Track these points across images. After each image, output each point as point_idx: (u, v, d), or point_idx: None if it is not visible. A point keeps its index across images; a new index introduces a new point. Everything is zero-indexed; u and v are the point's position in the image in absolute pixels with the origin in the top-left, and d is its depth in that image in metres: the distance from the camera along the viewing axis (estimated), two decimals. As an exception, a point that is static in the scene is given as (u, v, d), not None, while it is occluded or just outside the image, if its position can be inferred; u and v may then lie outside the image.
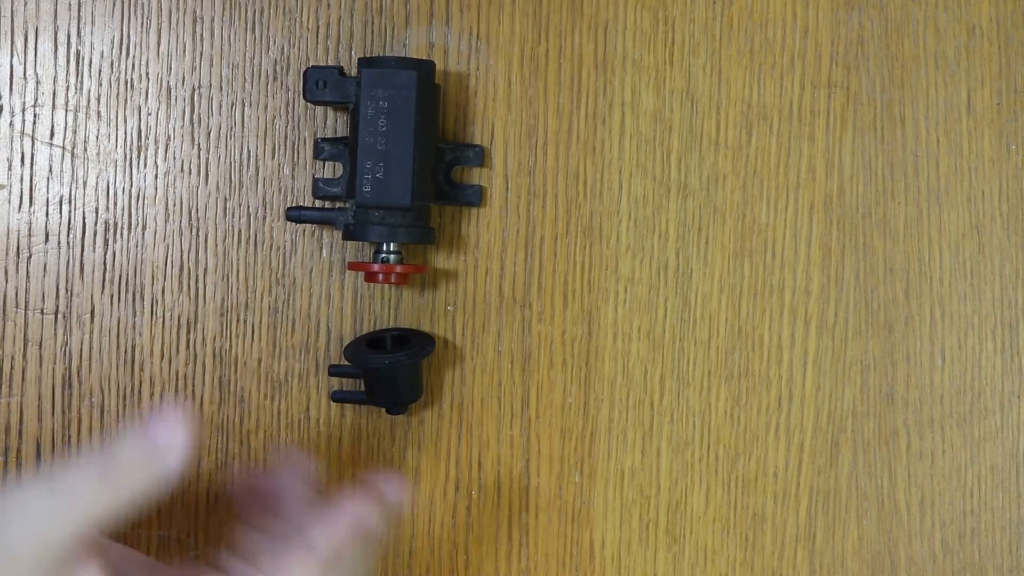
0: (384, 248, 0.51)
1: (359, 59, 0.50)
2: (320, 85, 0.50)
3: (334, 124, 0.54)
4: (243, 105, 0.53)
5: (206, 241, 0.53)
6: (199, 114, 0.53)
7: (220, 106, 0.53)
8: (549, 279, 0.55)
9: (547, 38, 0.55)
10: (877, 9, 0.56)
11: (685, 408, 0.55)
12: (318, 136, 0.53)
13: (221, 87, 0.53)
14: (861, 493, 0.56)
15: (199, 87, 0.53)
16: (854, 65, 0.56)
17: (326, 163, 0.53)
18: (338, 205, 0.52)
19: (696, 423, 0.55)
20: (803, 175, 0.56)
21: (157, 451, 0.40)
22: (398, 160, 0.49)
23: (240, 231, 0.54)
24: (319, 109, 0.53)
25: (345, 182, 0.51)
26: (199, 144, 0.53)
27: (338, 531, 0.43)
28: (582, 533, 0.55)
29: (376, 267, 0.50)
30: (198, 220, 0.53)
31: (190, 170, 0.53)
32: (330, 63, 0.53)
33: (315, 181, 0.52)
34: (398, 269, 0.50)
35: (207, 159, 0.53)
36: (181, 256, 0.53)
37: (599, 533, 0.55)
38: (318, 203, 0.53)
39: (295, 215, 0.51)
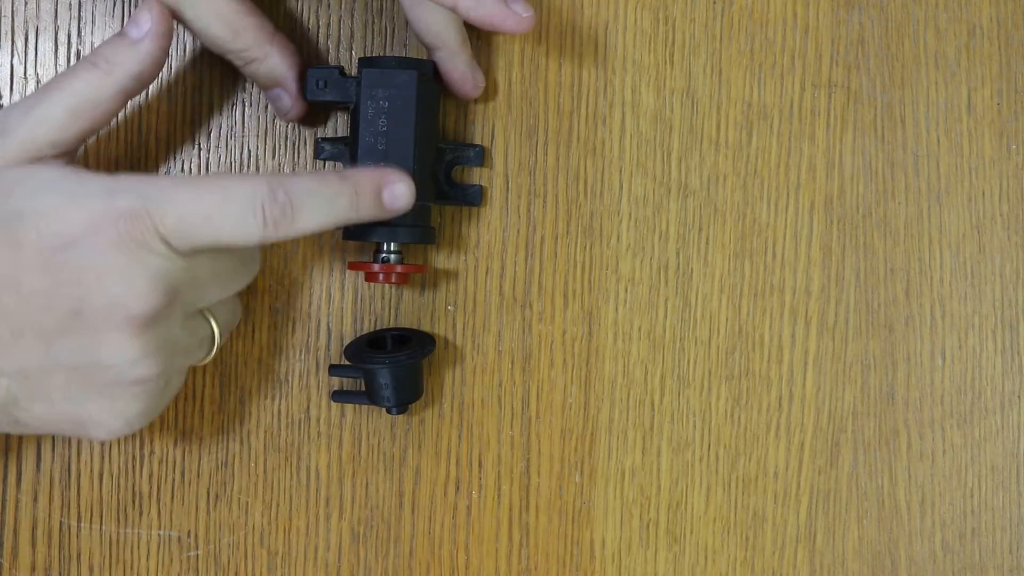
0: (384, 248, 0.51)
1: (359, 59, 0.50)
2: (320, 85, 0.50)
3: (334, 124, 0.54)
4: (243, 105, 0.54)
5: (206, 241, 0.53)
6: (200, 114, 0.53)
7: (221, 106, 0.53)
8: (549, 279, 0.55)
9: (547, 38, 0.55)
10: (877, 9, 0.56)
11: (685, 408, 0.55)
12: (318, 136, 0.53)
13: (222, 87, 0.53)
14: (861, 493, 0.56)
15: (200, 87, 0.53)
16: (854, 65, 0.56)
17: (326, 163, 0.53)
18: None
19: (696, 423, 0.55)
20: (803, 175, 0.56)
21: (128, 39, 0.46)
22: (398, 160, 0.49)
23: (240, 231, 0.54)
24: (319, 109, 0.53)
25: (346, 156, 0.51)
26: (200, 144, 0.53)
27: (362, 177, 0.46)
28: (582, 533, 0.55)
29: (376, 267, 0.50)
30: (198, 220, 0.53)
31: (191, 170, 0.53)
32: (330, 63, 0.53)
33: (317, 142, 0.52)
34: (398, 269, 0.50)
35: (208, 159, 0.53)
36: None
37: (599, 533, 0.55)
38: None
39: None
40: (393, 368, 0.51)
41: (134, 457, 0.53)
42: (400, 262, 0.51)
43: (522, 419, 0.55)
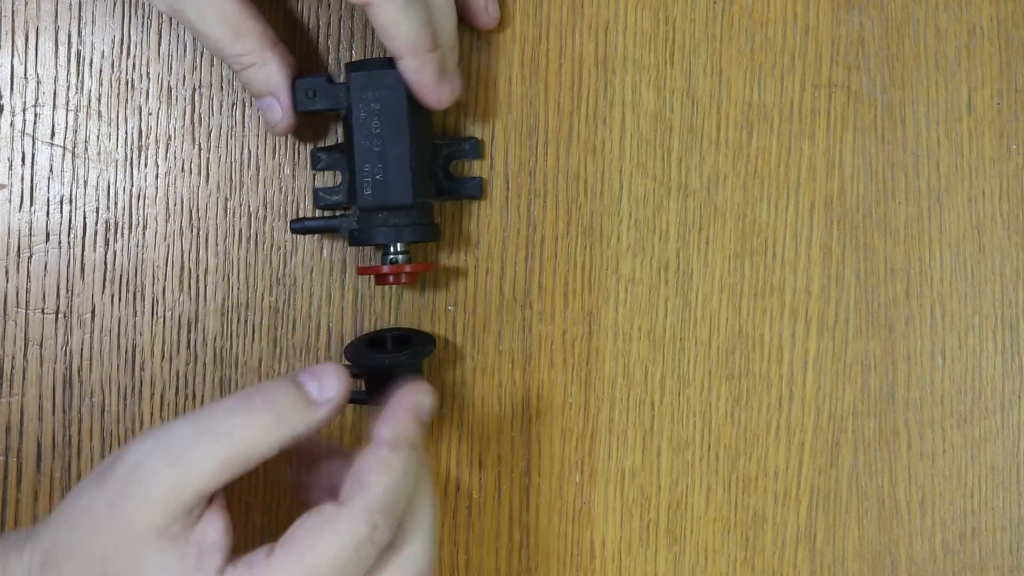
0: (392, 249, 0.50)
1: (346, 64, 0.50)
2: (310, 95, 0.49)
3: (326, 129, 0.54)
4: (244, 105, 0.54)
5: (207, 241, 0.53)
6: (200, 114, 0.53)
7: (221, 106, 0.53)
8: (549, 279, 0.55)
9: (547, 38, 0.55)
10: (877, 9, 0.56)
11: (685, 408, 0.55)
12: (313, 147, 0.53)
13: (222, 87, 0.53)
14: (861, 493, 0.56)
15: (200, 87, 0.53)
16: (854, 65, 0.56)
17: (324, 172, 0.53)
18: (339, 213, 0.52)
19: (696, 423, 0.55)
20: (803, 175, 0.56)
21: (307, 398, 0.42)
22: (395, 160, 0.48)
23: (241, 231, 0.54)
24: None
25: (345, 188, 0.51)
26: (200, 144, 0.53)
27: (399, 420, 0.44)
28: (582, 533, 0.55)
29: (386, 268, 0.50)
30: (199, 220, 0.53)
31: (191, 170, 0.53)
32: (330, 63, 0.53)
33: (315, 192, 0.52)
34: (408, 269, 0.50)
35: (208, 159, 0.54)
36: (182, 256, 0.53)
37: (599, 533, 0.55)
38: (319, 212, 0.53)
39: (299, 227, 0.51)
40: (393, 368, 0.51)
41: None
42: (408, 262, 0.50)
43: (522, 419, 0.55)
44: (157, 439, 0.41)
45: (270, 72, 0.49)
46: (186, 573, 0.40)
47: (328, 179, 0.53)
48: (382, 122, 0.48)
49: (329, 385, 0.42)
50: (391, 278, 0.50)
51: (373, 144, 0.48)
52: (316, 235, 0.54)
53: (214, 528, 0.41)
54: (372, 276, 0.52)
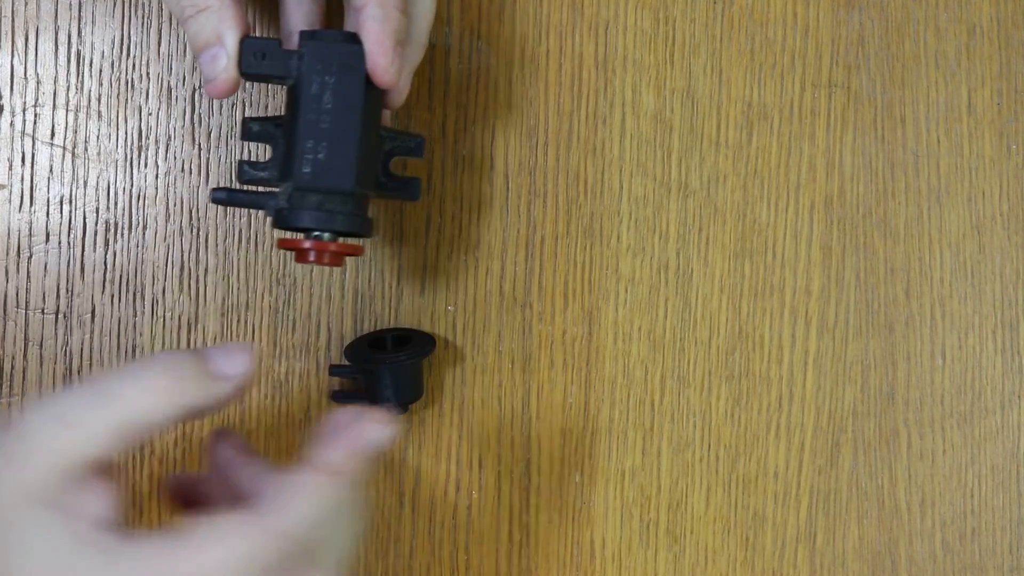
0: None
1: (300, 32, 0.46)
2: (258, 57, 0.45)
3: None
4: (244, 105, 0.53)
5: (207, 241, 0.53)
6: (200, 114, 0.53)
7: (221, 106, 0.53)
8: (549, 279, 0.55)
9: (547, 38, 0.55)
10: (877, 9, 0.56)
11: (685, 408, 0.55)
12: (245, 116, 0.50)
13: (217, 99, 0.53)
14: (861, 493, 0.56)
15: (200, 87, 0.53)
16: (854, 65, 0.56)
17: (253, 145, 0.51)
18: (268, 189, 0.49)
19: (696, 423, 0.55)
20: (803, 175, 0.56)
21: (208, 371, 0.40)
22: (342, 140, 0.45)
23: (241, 231, 0.54)
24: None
25: (277, 165, 0.46)
26: (200, 144, 0.53)
27: (349, 451, 0.41)
28: (582, 533, 0.55)
29: (308, 243, 0.45)
30: (199, 220, 0.53)
31: (191, 170, 0.53)
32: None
33: (240, 164, 0.46)
34: (332, 247, 0.45)
35: (208, 159, 0.54)
36: (182, 256, 0.53)
37: (599, 533, 0.55)
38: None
39: (221, 197, 0.46)
40: (393, 368, 0.51)
41: (134, 457, 0.53)
42: (334, 240, 0.46)
43: (522, 419, 0.55)
44: (53, 404, 0.39)
45: (223, 17, 0.44)
46: (71, 549, 0.37)
47: (257, 153, 0.52)
48: (335, 98, 0.45)
49: (235, 362, 0.41)
50: (312, 256, 0.46)
51: (321, 120, 0.44)
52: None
53: (95, 498, 0.38)
54: (295, 257, 0.47)
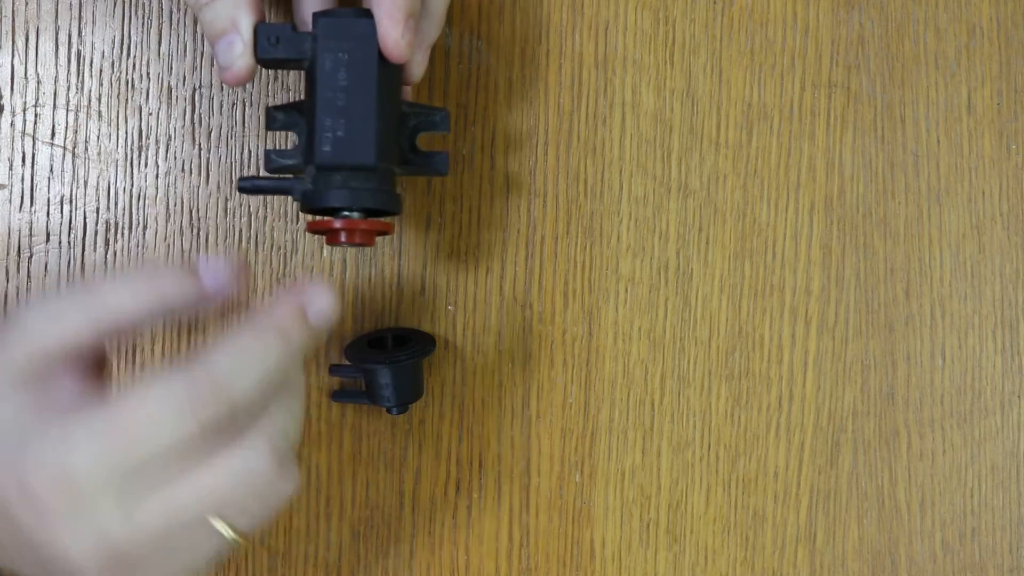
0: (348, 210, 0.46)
1: (314, 13, 0.46)
2: (272, 41, 0.45)
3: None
4: (244, 105, 0.54)
5: (207, 241, 0.54)
6: (200, 114, 0.53)
7: (221, 106, 0.53)
8: (549, 279, 0.55)
9: (547, 38, 0.55)
10: (877, 9, 0.56)
11: (685, 408, 0.55)
12: (269, 105, 0.50)
13: (222, 87, 0.53)
14: (861, 493, 0.56)
15: (200, 87, 0.53)
16: (854, 65, 0.56)
17: (279, 134, 0.51)
18: (294, 176, 0.49)
19: (696, 423, 0.55)
20: (803, 175, 0.56)
21: (191, 275, 0.42)
22: (360, 116, 0.45)
23: (241, 231, 0.54)
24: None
25: (301, 151, 0.46)
26: (200, 144, 0.53)
27: (281, 308, 0.42)
28: (582, 533, 0.55)
29: (338, 223, 0.45)
30: (199, 220, 0.53)
31: (191, 170, 0.53)
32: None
33: (267, 153, 0.47)
34: (362, 225, 0.45)
35: (208, 159, 0.54)
36: (182, 256, 0.53)
37: (599, 533, 0.55)
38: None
39: (248, 186, 0.46)
40: (393, 368, 0.51)
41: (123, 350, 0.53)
42: (363, 219, 0.46)
43: (522, 419, 0.55)
44: (43, 300, 0.42)
45: (238, 4, 0.44)
46: (24, 410, 0.40)
47: (282, 141, 0.52)
48: (349, 74, 0.44)
49: (217, 269, 0.42)
50: (343, 236, 0.45)
51: (337, 97, 0.44)
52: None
53: (69, 380, 0.41)
54: (326, 240, 0.47)
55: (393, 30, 0.44)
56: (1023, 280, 0.56)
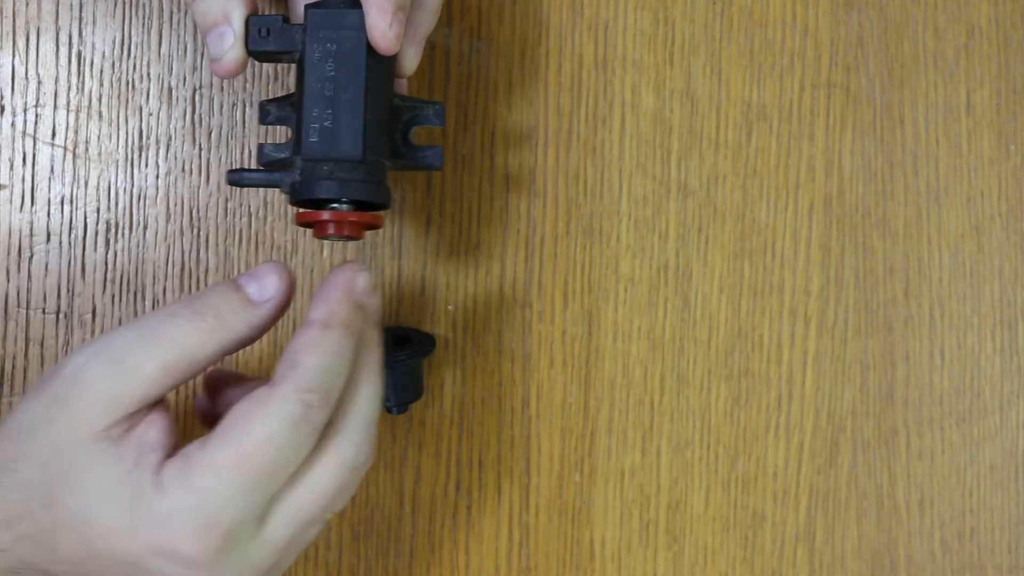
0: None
1: (306, 4, 0.46)
2: (263, 33, 0.45)
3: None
4: (244, 105, 0.54)
5: (207, 241, 0.54)
6: (200, 114, 0.54)
7: (221, 106, 0.54)
8: (549, 279, 0.55)
9: (547, 38, 0.55)
10: (876, 10, 0.56)
11: (685, 408, 0.55)
12: (262, 100, 0.50)
13: (222, 87, 0.53)
14: (860, 492, 0.56)
15: (200, 87, 0.53)
16: (854, 65, 0.56)
17: (271, 128, 0.52)
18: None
19: (696, 423, 0.55)
20: (803, 175, 0.56)
21: (247, 300, 0.42)
22: (348, 107, 0.44)
23: (241, 231, 0.54)
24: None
25: (292, 141, 0.46)
26: (200, 144, 0.54)
27: (331, 300, 0.42)
28: (582, 532, 0.55)
29: (326, 215, 0.45)
30: (199, 220, 0.54)
31: (191, 170, 0.54)
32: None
33: (260, 147, 0.46)
34: (351, 217, 0.45)
35: (208, 159, 0.54)
36: (182, 256, 0.54)
37: (599, 532, 0.55)
38: None
39: (236, 178, 0.46)
40: (393, 368, 0.51)
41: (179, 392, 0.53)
42: (352, 211, 0.45)
43: (522, 419, 0.55)
44: (100, 345, 0.41)
45: None
46: (124, 471, 0.40)
47: (276, 135, 0.52)
48: (337, 65, 0.44)
49: (269, 284, 0.42)
50: (331, 227, 0.45)
51: (325, 88, 0.44)
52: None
53: (155, 428, 0.41)
54: (314, 233, 0.47)
55: (381, 21, 0.43)
56: (1022, 280, 0.56)
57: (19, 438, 0.41)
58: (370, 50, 0.44)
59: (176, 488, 0.39)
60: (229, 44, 0.44)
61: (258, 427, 0.39)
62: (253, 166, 0.53)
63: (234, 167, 0.51)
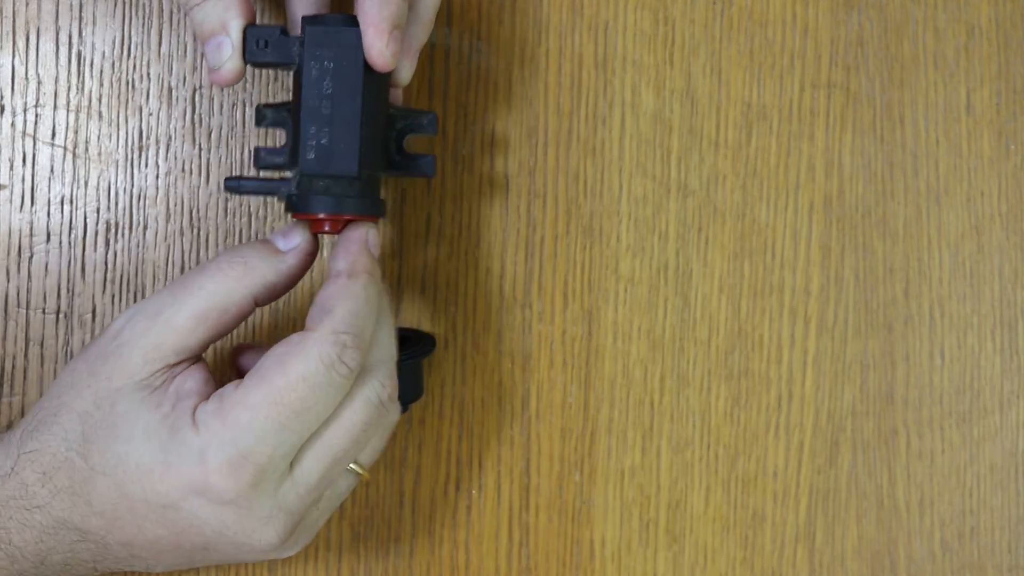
0: None
1: (303, 17, 0.47)
2: (261, 45, 0.45)
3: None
4: (244, 105, 0.54)
5: (207, 241, 0.54)
6: (200, 114, 0.54)
7: (221, 106, 0.54)
8: (549, 279, 0.55)
9: (547, 38, 0.55)
10: (877, 9, 0.56)
11: (685, 408, 0.55)
12: (259, 103, 0.50)
13: (222, 88, 0.53)
14: (860, 492, 0.56)
15: (200, 87, 0.53)
16: (854, 65, 0.56)
17: (268, 131, 0.52)
18: (280, 176, 0.50)
19: (696, 423, 0.55)
20: (803, 175, 0.56)
21: (273, 248, 0.45)
22: (344, 125, 0.45)
23: (241, 231, 0.54)
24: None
25: (288, 150, 0.47)
26: (200, 144, 0.54)
27: (351, 252, 0.45)
28: (582, 532, 0.55)
29: (323, 215, 0.46)
30: (199, 220, 0.54)
31: (191, 170, 0.54)
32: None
33: (256, 150, 0.47)
34: (346, 217, 0.46)
35: (208, 159, 0.54)
36: (182, 256, 0.54)
37: (599, 532, 0.55)
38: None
39: (234, 186, 0.47)
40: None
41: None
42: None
43: (522, 419, 0.55)
44: (139, 305, 0.44)
45: (228, 6, 0.45)
46: (162, 415, 0.42)
47: (273, 139, 0.53)
48: (334, 82, 0.45)
49: (294, 234, 0.46)
50: (327, 226, 0.46)
51: (322, 105, 0.45)
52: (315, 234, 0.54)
53: (192, 379, 0.43)
54: (311, 227, 0.48)
55: (378, 40, 0.44)
56: (1022, 280, 0.56)
57: (61, 393, 0.44)
58: (367, 68, 0.45)
59: (211, 424, 0.41)
60: (227, 55, 0.45)
61: (294, 366, 0.41)
62: (252, 168, 0.54)
63: (231, 175, 0.52)
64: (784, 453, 0.56)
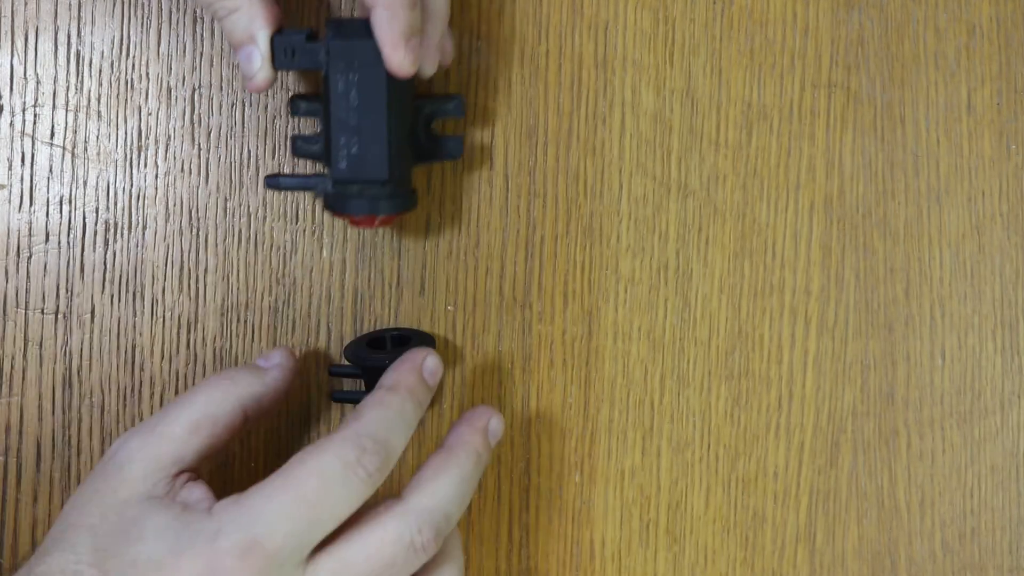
0: None
1: (327, 21, 0.48)
2: (288, 53, 0.47)
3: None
4: (243, 105, 0.54)
5: (206, 241, 0.54)
6: (199, 114, 0.53)
7: (220, 106, 0.53)
8: (549, 279, 0.55)
9: (547, 38, 0.55)
10: (877, 9, 0.56)
11: (685, 408, 0.55)
12: (293, 92, 0.52)
13: (221, 87, 0.53)
14: (861, 493, 0.56)
15: (199, 87, 0.53)
16: (854, 65, 0.56)
17: (302, 120, 0.52)
18: (318, 169, 0.51)
19: (696, 423, 0.55)
20: (803, 175, 0.56)
21: (256, 366, 0.48)
22: (372, 134, 0.47)
23: (240, 231, 0.54)
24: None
25: (323, 145, 0.49)
26: (199, 144, 0.53)
27: (399, 371, 0.47)
28: (582, 533, 0.55)
29: (359, 216, 0.49)
30: (198, 220, 0.53)
31: (190, 170, 0.53)
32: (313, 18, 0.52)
33: (294, 139, 0.50)
34: (381, 217, 0.49)
35: (207, 159, 0.54)
36: (181, 256, 0.53)
37: (599, 533, 0.55)
38: (297, 168, 0.53)
39: (273, 183, 0.49)
40: (393, 368, 0.51)
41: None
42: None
43: (522, 419, 0.55)
44: (132, 429, 0.46)
45: (254, 17, 0.46)
46: (174, 515, 0.43)
47: (307, 127, 0.53)
48: (360, 94, 0.47)
49: (274, 354, 0.49)
50: (363, 224, 0.49)
51: (350, 117, 0.47)
52: (315, 235, 0.53)
53: (198, 489, 0.44)
54: (350, 222, 0.50)
55: (395, 53, 0.45)
56: (1023, 280, 0.56)
57: (66, 516, 0.44)
58: (390, 77, 0.46)
59: (228, 508, 0.42)
60: (258, 66, 0.47)
61: (311, 460, 0.42)
62: (253, 168, 0.53)
63: (271, 172, 0.53)
64: (784, 453, 0.56)
